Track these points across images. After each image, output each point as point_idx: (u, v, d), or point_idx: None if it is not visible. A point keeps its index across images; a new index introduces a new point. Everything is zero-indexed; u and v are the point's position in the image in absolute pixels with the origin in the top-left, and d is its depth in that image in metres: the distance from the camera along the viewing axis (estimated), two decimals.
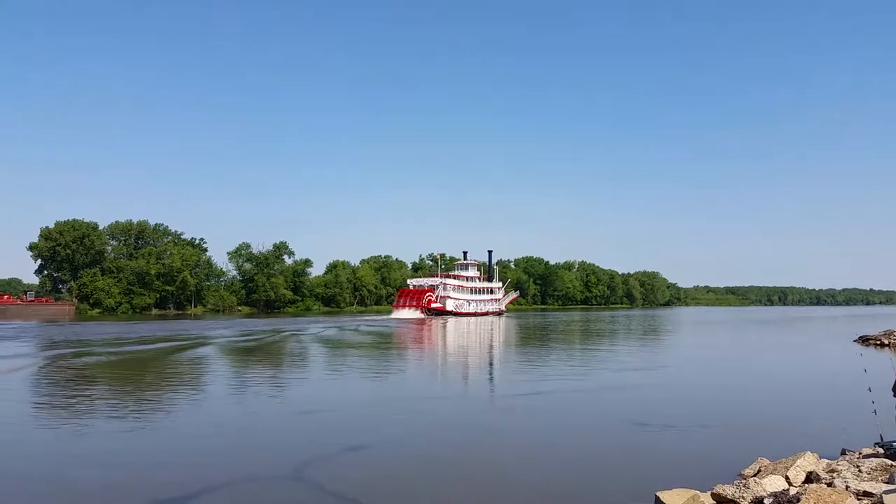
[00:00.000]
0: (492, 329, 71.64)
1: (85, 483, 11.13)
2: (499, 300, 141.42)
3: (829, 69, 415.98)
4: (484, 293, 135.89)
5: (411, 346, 46.01)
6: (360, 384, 24.75)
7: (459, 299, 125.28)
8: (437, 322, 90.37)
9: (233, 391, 22.87)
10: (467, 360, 36.13)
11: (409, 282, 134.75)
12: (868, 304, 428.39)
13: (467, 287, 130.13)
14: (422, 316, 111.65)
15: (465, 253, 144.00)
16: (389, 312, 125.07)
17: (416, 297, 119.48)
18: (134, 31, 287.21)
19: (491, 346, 45.60)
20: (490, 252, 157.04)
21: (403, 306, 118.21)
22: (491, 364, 33.83)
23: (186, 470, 11.96)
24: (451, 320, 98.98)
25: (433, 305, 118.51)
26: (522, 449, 13.72)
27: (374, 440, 14.29)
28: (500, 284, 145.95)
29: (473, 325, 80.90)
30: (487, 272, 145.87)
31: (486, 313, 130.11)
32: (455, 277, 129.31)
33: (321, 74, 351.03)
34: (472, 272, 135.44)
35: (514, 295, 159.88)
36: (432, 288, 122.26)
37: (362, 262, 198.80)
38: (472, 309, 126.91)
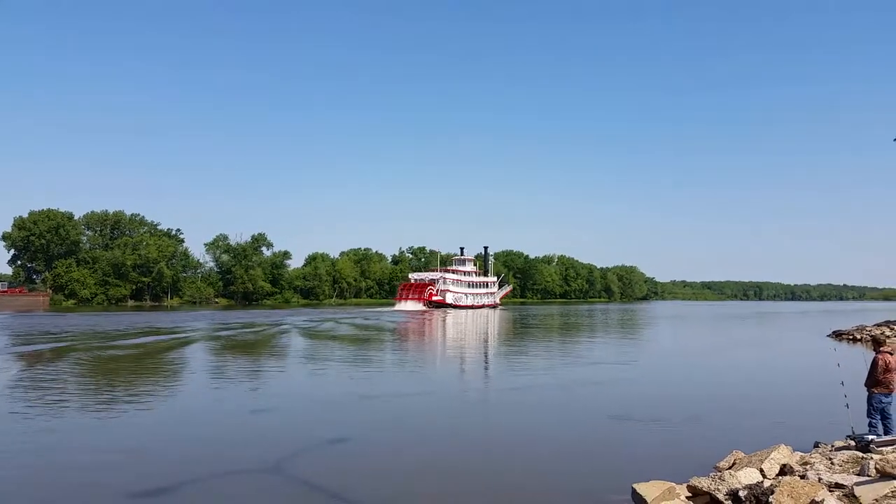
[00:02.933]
0: (487, 322, 72.92)
1: (59, 479, 10.98)
2: (494, 293, 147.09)
3: (818, 69, 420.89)
4: (480, 287, 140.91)
5: (414, 339, 46.79)
6: (358, 377, 24.67)
7: (458, 293, 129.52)
8: (437, 315, 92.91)
9: (223, 385, 22.69)
10: (460, 354, 36.15)
11: (410, 276, 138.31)
12: (842, 299, 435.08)
13: (465, 281, 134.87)
14: (423, 308, 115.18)
15: (461, 248, 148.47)
16: (369, 305, 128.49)
17: (417, 291, 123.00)
18: (112, 24, 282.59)
19: (485, 340, 45.61)
20: (486, 248, 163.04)
21: (406, 299, 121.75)
22: (479, 359, 33.62)
23: (163, 465, 11.84)
24: (451, 313, 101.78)
25: (434, 298, 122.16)
26: (501, 443, 13.77)
27: (356, 434, 14.25)
28: (495, 279, 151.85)
29: (471, 318, 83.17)
30: (483, 267, 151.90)
31: (483, 306, 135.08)
32: (454, 272, 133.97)
33: (304, 69, 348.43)
34: (470, 267, 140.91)
35: (507, 289, 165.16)
36: (433, 282, 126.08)
37: (342, 254, 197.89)
38: (469, 302, 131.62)
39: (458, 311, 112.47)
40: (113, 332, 46.46)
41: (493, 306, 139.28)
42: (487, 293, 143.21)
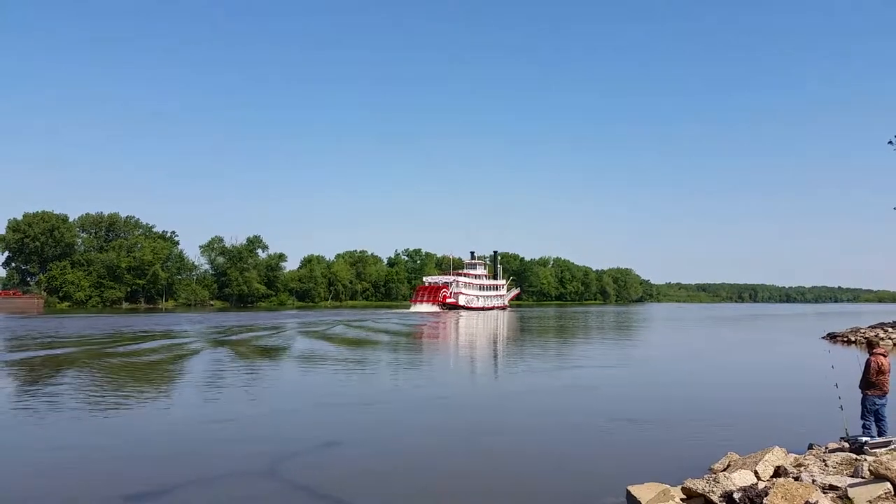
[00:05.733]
0: (496, 324, 73.86)
1: (51, 481, 10.95)
2: (503, 296, 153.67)
3: (810, 70, 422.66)
4: (491, 290, 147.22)
5: (429, 341, 47.55)
6: (365, 379, 24.64)
7: (470, 295, 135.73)
8: (451, 316, 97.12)
9: (233, 387, 22.64)
10: (466, 358, 36.07)
11: (424, 279, 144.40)
12: (836, 301, 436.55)
13: (476, 284, 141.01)
14: (437, 310, 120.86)
15: (472, 253, 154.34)
16: (364, 308, 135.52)
17: (432, 293, 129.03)
18: (108, 25, 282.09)
19: (492, 344, 45.46)
20: (495, 252, 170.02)
21: (421, 301, 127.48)
22: (483, 363, 33.42)
23: (156, 467, 11.80)
24: (463, 314, 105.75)
25: (447, 301, 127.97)
26: (496, 445, 13.76)
27: (353, 437, 14.24)
28: (504, 282, 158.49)
29: (482, 320, 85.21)
30: (493, 271, 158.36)
31: (493, 308, 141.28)
32: (465, 275, 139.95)
33: (300, 71, 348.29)
34: (480, 270, 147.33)
35: (515, 291, 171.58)
36: (446, 285, 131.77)
37: (337, 256, 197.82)
38: (480, 304, 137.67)
39: (469, 312, 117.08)
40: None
41: (503, 308, 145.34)
42: (497, 295, 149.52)
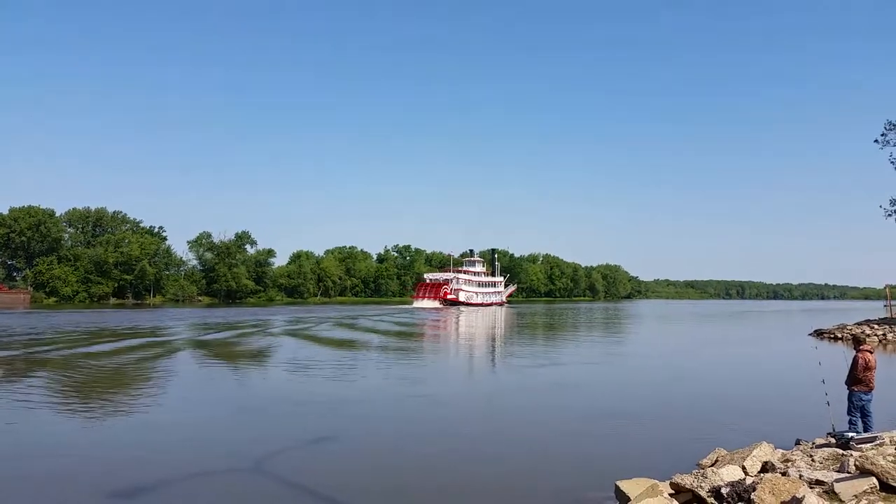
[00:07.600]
0: (494, 321, 74.31)
1: (38, 479, 10.87)
2: (501, 293, 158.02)
3: (801, 69, 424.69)
4: (489, 286, 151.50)
5: (429, 337, 47.91)
6: (357, 375, 24.59)
7: (469, 291, 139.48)
8: (452, 312, 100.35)
9: (234, 381, 22.55)
10: (463, 355, 35.92)
11: (425, 276, 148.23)
12: (823, 298, 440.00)
13: (475, 281, 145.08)
14: (438, 306, 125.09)
15: (471, 250, 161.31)
16: (356, 303, 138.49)
17: (433, 290, 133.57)
18: (96, 21, 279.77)
19: (490, 341, 45.40)
20: (493, 250, 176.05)
21: (423, 297, 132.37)
22: (477, 360, 33.30)
23: (141, 467, 11.73)
24: (463, 311, 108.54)
25: (448, 297, 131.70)
26: (485, 442, 13.77)
27: (339, 434, 14.21)
28: (501, 279, 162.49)
29: (480, 316, 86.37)
30: (491, 268, 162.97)
31: (491, 304, 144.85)
32: (465, 272, 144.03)
33: (289, 68, 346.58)
34: (479, 267, 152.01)
35: (512, 288, 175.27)
36: (447, 281, 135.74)
37: (327, 252, 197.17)
38: (479, 300, 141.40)
39: (469, 308, 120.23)
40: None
41: (501, 304, 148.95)
42: (495, 292, 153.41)
